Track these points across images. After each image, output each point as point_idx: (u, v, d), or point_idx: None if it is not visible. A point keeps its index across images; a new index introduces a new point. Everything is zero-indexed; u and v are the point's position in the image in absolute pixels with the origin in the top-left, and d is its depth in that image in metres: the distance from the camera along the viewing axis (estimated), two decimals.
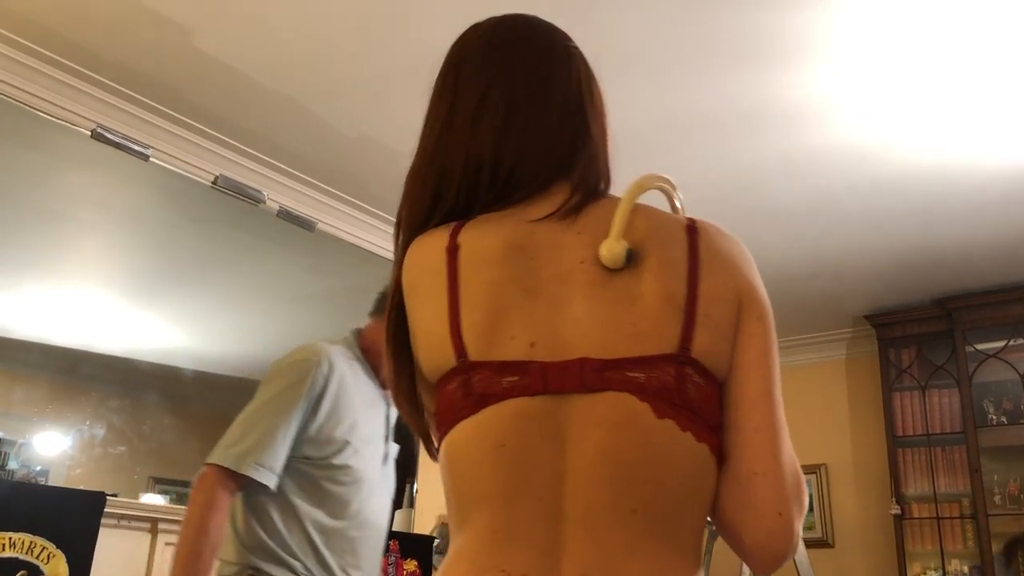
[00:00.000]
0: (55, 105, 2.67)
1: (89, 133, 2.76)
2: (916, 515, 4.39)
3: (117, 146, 2.82)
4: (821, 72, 2.60)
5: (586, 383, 0.79)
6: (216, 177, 3.10)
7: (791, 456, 0.83)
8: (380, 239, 3.73)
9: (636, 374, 0.79)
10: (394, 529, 4.00)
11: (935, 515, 4.33)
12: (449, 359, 0.83)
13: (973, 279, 4.23)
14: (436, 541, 3.66)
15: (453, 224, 0.90)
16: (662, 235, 0.87)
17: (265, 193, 3.26)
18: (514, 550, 0.78)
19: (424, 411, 0.93)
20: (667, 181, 0.94)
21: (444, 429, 0.84)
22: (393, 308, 0.91)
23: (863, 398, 4.88)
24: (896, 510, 4.39)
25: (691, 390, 0.80)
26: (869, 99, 2.73)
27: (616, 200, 0.89)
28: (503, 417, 0.80)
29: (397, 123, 2.94)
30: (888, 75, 2.60)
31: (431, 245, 0.89)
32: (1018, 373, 4.22)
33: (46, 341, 4.18)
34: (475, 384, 0.81)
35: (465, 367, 0.82)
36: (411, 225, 0.93)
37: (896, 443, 4.51)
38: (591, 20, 2.38)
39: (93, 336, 4.25)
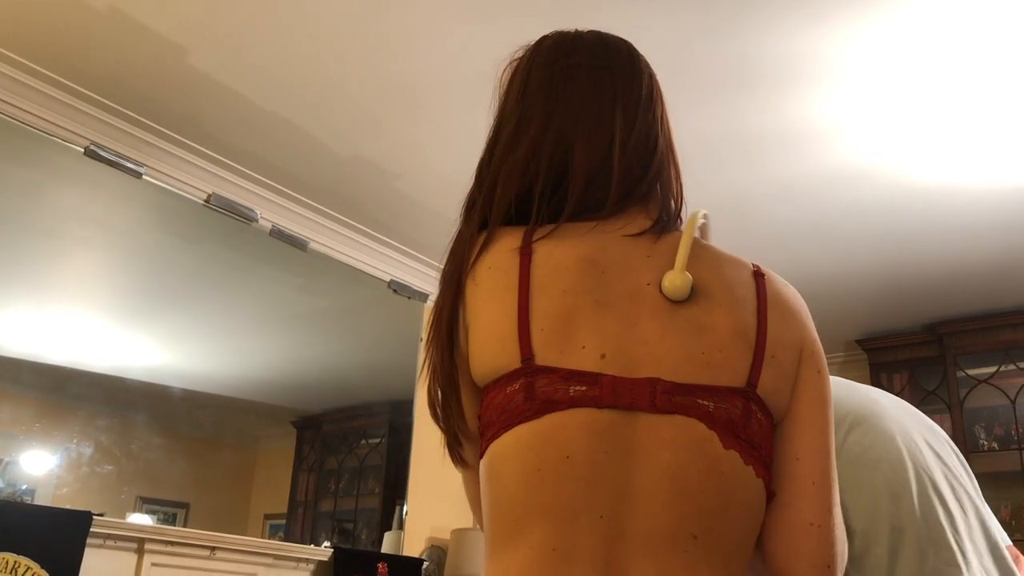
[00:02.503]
0: (48, 122, 2.66)
1: (82, 150, 2.75)
2: None
3: (110, 163, 2.82)
4: (814, 98, 2.62)
5: (657, 403, 0.78)
6: (209, 195, 3.10)
7: (840, 510, 0.85)
8: (373, 258, 3.73)
9: (706, 402, 0.79)
10: (383, 551, 3.97)
11: None
12: (513, 359, 0.81)
13: (964, 304, 4.24)
14: (425, 564, 3.62)
15: (526, 227, 0.89)
16: (730, 274, 0.88)
17: (258, 212, 3.26)
18: (574, 569, 0.76)
19: (460, 408, 0.89)
20: (707, 218, 0.96)
21: (494, 431, 0.81)
22: (453, 288, 0.88)
23: None
24: None
25: (754, 425, 0.81)
26: (861, 124, 2.74)
27: (689, 235, 0.89)
28: (569, 427, 0.78)
29: (390, 143, 2.94)
30: (880, 100, 2.62)
31: (504, 243, 0.87)
32: (1009, 399, 4.23)
33: (35, 359, 4.15)
34: (539, 389, 0.79)
35: (531, 370, 0.80)
36: (492, 214, 0.90)
37: None
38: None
39: (82, 354, 4.22)
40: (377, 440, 5.20)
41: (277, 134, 2.91)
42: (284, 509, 5.52)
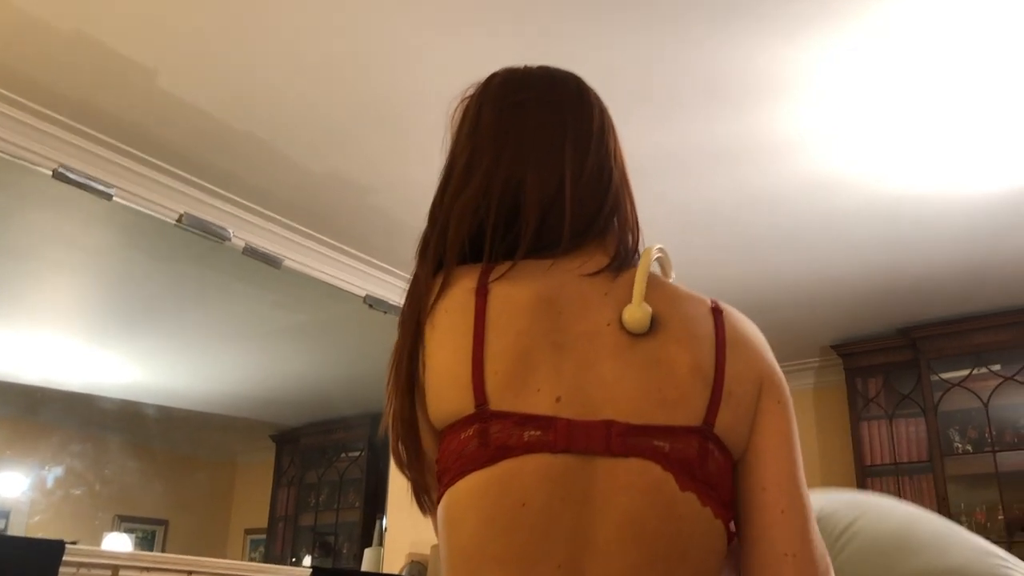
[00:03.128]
0: (15, 145, 2.64)
1: (50, 173, 2.73)
2: None
3: (80, 186, 2.80)
4: (783, 110, 2.64)
5: (612, 447, 0.77)
6: (181, 215, 3.08)
7: (819, 538, 0.83)
8: (347, 274, 3.72)
9: (661, 443, 0.78)
10: (363, 569, 3.96)
11: None
12: (466, 404, 0.80)
13: (936, 308, 4.29)
14: None
15: (482, 266, 0.88)
16: (688, 310, 0.88)
17: (230, 230, 3.25)
18: None
19: (423, 455, 0.87)
20: (665, 252, 0.95)
21: (449, 478, 0.80)
22: (412, 333, 0.87)
23: (831, 427, 4.92)
24: None
25: (711, 465, 0.80)
26: (830, 135, 2.77)
27: (646, 271, 0.89)
28: (524, 474, 0.77)
29: (362, 159, 2.94)
30: (848, 111, 2.64)
31: (461, 284, 0.86)
32: (982, 402, 4.27)
33: (8, 379, 4.10)
34: (494, 435, 0.78)
35: (484, 415, 0.79)
36: (446, 255, 0.89)
37: (864, 472, 4.54)
38: (556, 56, 2.40)
39: (57, 374, 4.18)
40: (356, 453, 5.19)
41: (248, 153, 2.90)
42: (264, 524, 5.50)
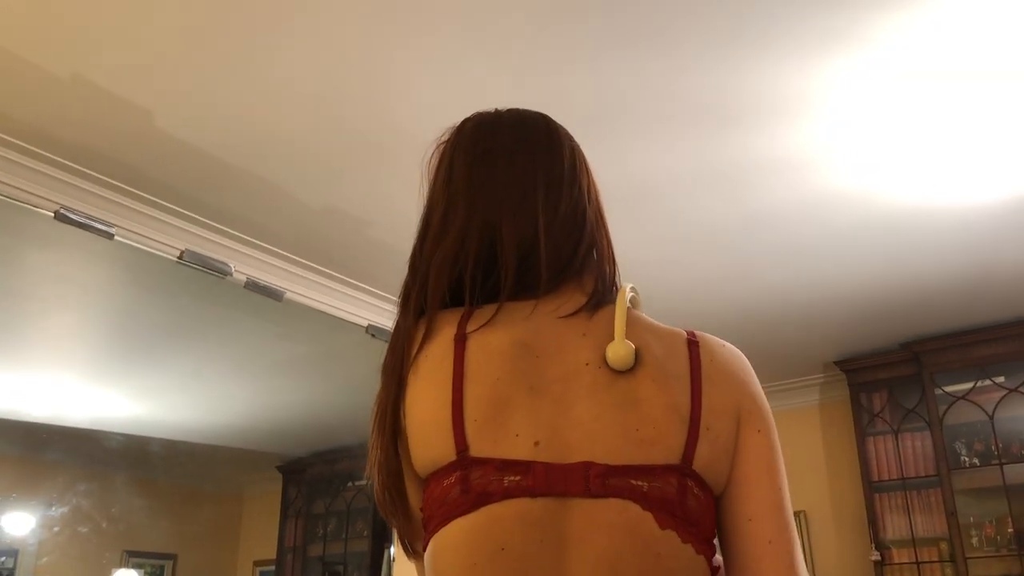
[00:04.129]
0: (16, 188, 2.67)
1: (52, 214, 2.76)
2: (896, 560, 4.39)
3: (81, 226, 2.82)
4: (786, 129, 2.66)
5: (590, 488, 0.78)
6: (182, 252, 3.11)
7: (803, 566, 0.84)
8: (348, 305, 3.74)
9: (640, 482, 0.79)
10: None
11: (915, 560, 4.33)
12: (448, 452, 0.81)
13: (938, 322, 4.29)
14: None
15: (462, 311, 0.89)
16: (663, 345, 0.88)
17: (232, 265, 3.27)
18: None
19: (408, 503, 0.88)
20: (636, 291, 0.96)
21: (434, 526, 0.81)
22: (395, 383, 0.87)
23: (838, 443, 4.90)
24: (876, 556, 4.38)
25: (691, 502, 0.80)
26: (832, 150, 2.79)
27: (624, 308, 0.90)
28: (504, 519, 0.77)
29: (361, 193, 2.97)
30: (850, 125, 2.66)
31: (442, 331, 0.87)
32: (987, 414, 4.26)
33: (12, 418, 4.12)
34: (474, 481, 0.79)
35: (465, 462, 0.80)
36: (428, 304, 0.91)
37: (872, 488, 4.52)
38: (556, 87, 2.43)
39: (61, 412, 4.20)
40: (363, 482, 5.19)
41: (247, 189, 2.93)
42: (273, 555, 5.49)
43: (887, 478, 4.50)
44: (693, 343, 0.90)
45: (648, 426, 0.82)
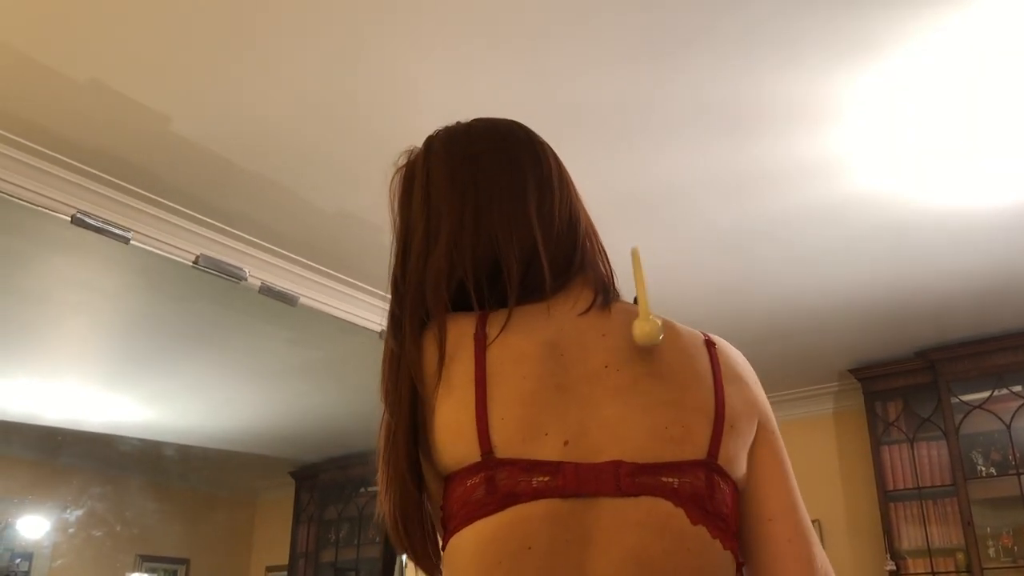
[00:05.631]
0: (33, 192, 2.69)
1: (69, 219, 2.78)
2: (912, 571, 4.35)
3: (97, 230, 2.84)
4: (810, 135, 2.66)
5: (621, 487, 0.78)
6: (197, 257, 3.12)
7: (824, 561, 0.86)
8: (362, 310, 3.74)
9: (670, 479, 0.79)
10: None
11: (931, 570, 4.30)
12: (472, 453, 0.80)
13: (954, 330, 4.26)
14: None
15: (475, 315, 0.88)
16: (684, 345, 0.89)
17: (246, 270, 3.28)
18: None
19: (427, 526, 0.86)
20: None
21: (455, 524, 0.80)
22: (407, 404, 0.85)
23: (853, 452, 4.87)
24: (891, 566, 4.35)
25: (719, 496, 0.81)
26: (848, 156, 2.78)
27: (634, 308, 0.90)
28: (532, 519, 0.77)
29: (376, 199, 2.96)
30: (867, 132, 2.66)
31: (457, 332, 0.86)
32: (1004, 423, 4.23)
33: (29, 422, 4.15)
34: (501, 482, 0.78)
35: (490, 463, 0.79)
36: (434, 312, 0.88)
37: (887, 497, 4.49)
38: (578, 88, 2.43)
39: (77, 416, 4.22)
40: (375, 488, 5.19)
41: (262, 194, 2.94)
42: (285, 561, 5.50)
43: (902, 487, 4.47)
44: (711, 344, 0.91)
45: (675, 424, 0.82)
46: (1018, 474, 4.15)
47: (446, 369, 0.85)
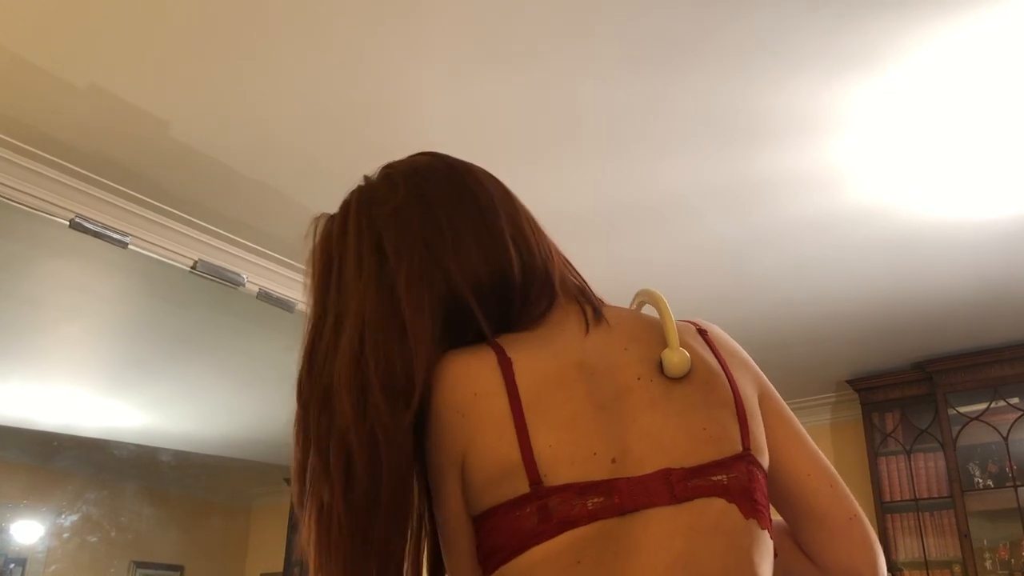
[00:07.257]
0: (32, 196, 2.69)
1: (67, 223, 2.77)
2: None
3: (95, 235, 2.84)
4: (810, 146, 2.66)
5: (675, 494, 0.78)
6: (195, 262, 3.12)
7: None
8: None
9: (719, 477, 0.80)
10: None
11: None
12: (519, 485, 0.78)
13: (952, 341, 4.26)
14: None
15: (486, 344, 0.85)
16: (694, 344, 0.90)
17: (244, 276, 3.28)
18: None
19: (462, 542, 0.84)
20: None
21: (504, 556, 0.78)
22: (447, 475, 0.82)
23: (850, 463, 4.87)
24: None
25: (758, 487, 0.83)
26: (856, 167, 2.78)
27: (626, 310, 0.93)
28: (585, 537, 0.76)
29: None
30: (864, 143, 2.66)
31: (475, 364, 0.83)
32: (1001, 435, 4.23)
33: (24, 426, 4.13)
34: (554, 508, 0.76)
35: (540, 492, 0.77)
36: (422, 350, 0.84)
37: (884, 508, 4.48)
38: (591, 93, 2.43)
39: (73, 421, 4.21)
40: None
41: (260, 200, 2.94)
42: (280, 568, 5.48)
43: (899, 499, 4.47)
44: (703, 332, 0.94)
45: (713, 423, 0.84)
46: (1015, 486, 4.15)
47: (475, 406, 0.81)
